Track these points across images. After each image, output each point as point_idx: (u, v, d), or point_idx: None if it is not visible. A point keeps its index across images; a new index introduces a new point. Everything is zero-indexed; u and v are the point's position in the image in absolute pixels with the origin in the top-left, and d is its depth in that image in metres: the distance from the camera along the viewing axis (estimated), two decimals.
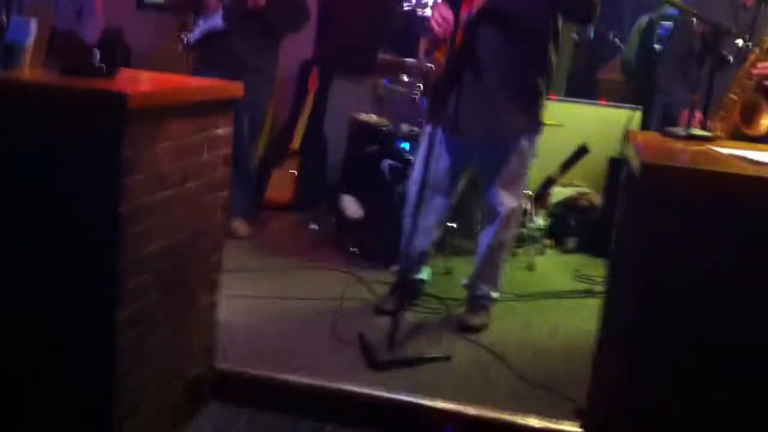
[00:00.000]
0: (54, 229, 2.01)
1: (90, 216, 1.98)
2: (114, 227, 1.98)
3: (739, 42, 2.87)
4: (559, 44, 3.08)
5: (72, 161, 1.97)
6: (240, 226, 4.40)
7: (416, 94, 3.99)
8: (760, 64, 2.98)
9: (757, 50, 2.98)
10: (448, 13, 2.93)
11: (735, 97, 3.01)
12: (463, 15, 2.92)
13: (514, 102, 3.04)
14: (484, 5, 2.87)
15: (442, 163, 3.17)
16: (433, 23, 2.96)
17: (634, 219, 2.01)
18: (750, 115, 2.98)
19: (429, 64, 3.10)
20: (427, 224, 3.25)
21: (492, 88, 3.01)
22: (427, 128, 3.24)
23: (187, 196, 2.32)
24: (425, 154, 3.00)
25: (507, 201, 3.18)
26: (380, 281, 3.75)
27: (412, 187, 3.25)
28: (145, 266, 2.13)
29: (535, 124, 3.15)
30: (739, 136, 2.91)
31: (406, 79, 4.31)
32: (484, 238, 3.30)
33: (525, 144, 3.14)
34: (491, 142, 3.13)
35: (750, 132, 2.94)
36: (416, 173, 3.24)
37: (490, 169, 3.19)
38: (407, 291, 3.08)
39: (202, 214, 2.43)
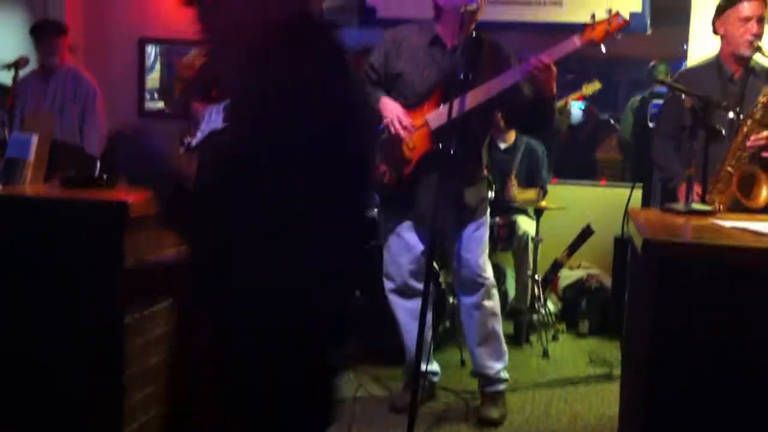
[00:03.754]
0: (57, 340, 1.99)
1: (94, 325, 1.97)
2: (119, 337, 1.96)
3: (731, 114, 2.91)
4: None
5: (75, 272, 1.97)
6: None
7: None
8: (753, 136, 3.00)
9: (749, 121, 3.01)
10: (408, 120, 3.16)
11: (731, 170, 3.02)
12: (428, 118, 3.14)
13: (473, 187, 3.28)
14: (451, 122, 3.01)
15: (414, 253, 3.28)
16: (395, 127, 3.16)
17: (640, 297, 1.98)
18: (748, 187, 2.98)
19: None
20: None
21: (456, 180, 3.16)
22: (390, 226, 3.34)
23: None
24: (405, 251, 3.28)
25: (487, 272, 3.27)
26: (393, 378, 3.67)
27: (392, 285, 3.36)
28: (150, 379, 2.10)
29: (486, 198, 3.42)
30: (738, 208, 2.90)
31: None
32: (473, 315, 3.28)
33: (487, 215, 3.36)
34: (463, 224, 3.26)
35: (750, 204, 2.92)
36: (395, 271, 3.35)
37: (466, 247, 3.27)
38: (421, 386, 3.01)
39: None
